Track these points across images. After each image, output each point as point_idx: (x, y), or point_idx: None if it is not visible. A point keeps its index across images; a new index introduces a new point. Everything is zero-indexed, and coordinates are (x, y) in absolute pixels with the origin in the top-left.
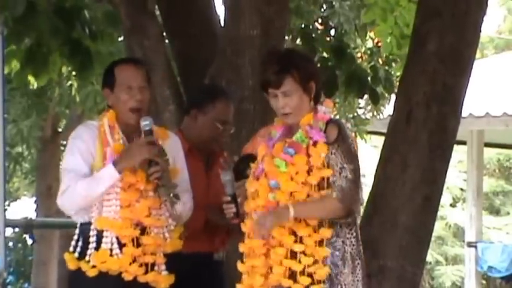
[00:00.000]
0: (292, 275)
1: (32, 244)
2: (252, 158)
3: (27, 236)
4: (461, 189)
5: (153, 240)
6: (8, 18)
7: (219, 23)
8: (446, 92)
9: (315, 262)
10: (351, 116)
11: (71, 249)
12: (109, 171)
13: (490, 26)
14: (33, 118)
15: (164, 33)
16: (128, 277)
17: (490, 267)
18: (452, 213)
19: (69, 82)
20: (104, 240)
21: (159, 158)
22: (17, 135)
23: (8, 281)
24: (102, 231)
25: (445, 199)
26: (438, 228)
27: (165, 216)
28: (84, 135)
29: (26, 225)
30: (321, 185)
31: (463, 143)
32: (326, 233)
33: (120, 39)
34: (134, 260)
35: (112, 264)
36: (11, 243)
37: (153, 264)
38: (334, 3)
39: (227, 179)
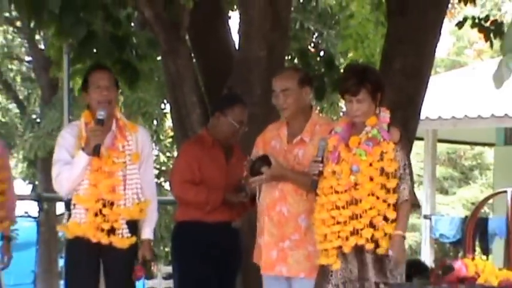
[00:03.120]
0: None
1: (67, 216)
2: (266, 158)
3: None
4: (419, 175)
5: (112, 211)
6: (73, 44)
7: (234, 46)
8: (408, 100)
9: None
10: (335, 117)
11: (64, 219)
12: (80, 155)
13: (442, 50)
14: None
15: (192, 54)
16: (93, 240)
17: (441, 235)
18: None
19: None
20: (75, 212)
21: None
22: None
23: None
24: (76, 205)
25: None
26: None
27: (126, 192)
28: (64, 133)
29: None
30: (392, 175)
31: (421, 139)
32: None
33: (159, 58)
34: (98, 227)
35: (78, 230)
36: None
37: (113, 230)
38: (323, 32)
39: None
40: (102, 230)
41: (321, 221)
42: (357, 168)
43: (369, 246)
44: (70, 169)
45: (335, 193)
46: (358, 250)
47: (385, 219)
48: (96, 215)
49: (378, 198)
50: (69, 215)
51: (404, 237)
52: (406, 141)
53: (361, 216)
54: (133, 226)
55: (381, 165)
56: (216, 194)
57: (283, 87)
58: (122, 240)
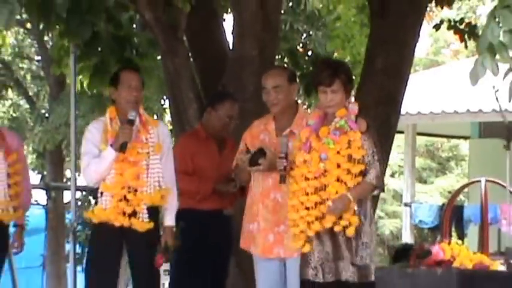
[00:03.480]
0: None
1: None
2: (263, 151)
3: (91, 198)
4: (399, 166)
5: (135, 197)
6: (79, 43)
7: (228, 46)
8: (389, 97)
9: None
10: None
11: (91, 207)
12: (109, 151)
13: (420, 50)
14: (96, 113)
15: (189, 54)
16: (116, 224)
17: (420, 221)
18: (392, 181)
19: None
20: (103, 199)
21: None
22: (86, 125)
23: (77, 229)
24: (104, 193)
25: (387, 172)
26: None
27: (148, 179)
28: (91, 128)
29: (90, 190)
30: (359, 161)
31: (401, 132)
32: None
33: (159, 57)
34: (121, 212)
35: (103, 215)
36: (79, 203)
37: (135, 213)
38: (311, 33)
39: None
40: (124, 213)
41: (291, 207)
42: (325, 156)
43: (337, 228)
44: (98, 162)
45: (305, 180)
46: (332, 232)
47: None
48: (120, 200)
49: (343, 183)
50: (96, 203)
51: (349, 200)
52: (374, 131)
53: (327, 200)
54: (154, 213)
55: (349, 153)
56: (207, 183)
57: (275, 84)
58: (142, 223)
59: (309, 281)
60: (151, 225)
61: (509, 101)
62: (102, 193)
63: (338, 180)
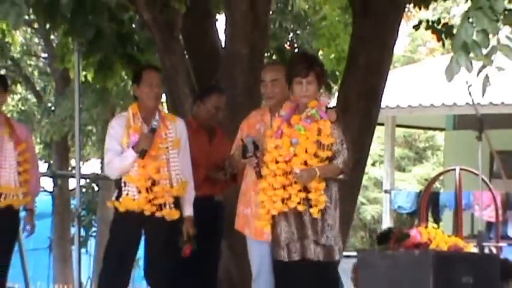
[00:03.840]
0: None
1: (97, 190)
2: (255, 144)
3: (94, 185)
4: (380, 155)
5: (160, 189)
6: (82, 42)
7: (221, 45)
8: (370, 91)
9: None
10: None
11: (113, 196)
12: (130, 152)
13: (399, 48)
14: (99, 107)
15: (185, 52)
16: (147, 213)
17: (399, 207)
18: (373, 170)
19: (123, 83)
20: (127, 189)
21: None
22: (90, 118)
23: (81, 214)
24: (128, 183)
25: (368, 161)
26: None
27: (170, 173)
28: (114, 124)
29: (94, 178)
30: (327, 147)
31: (382, 124)
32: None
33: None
34: (150, 202)
35: (132, 205)
36: (84, 190)
37: (164, 204)
38: (298, 31)
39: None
40: (155, 204)
41: (261, 189)
42: (296, 141)
43: (301, 208)
44: (120, 161)
45: (275, 163)
46: (297, 213)
47: (317, 187)
48: (147, 191)
49: (310, 165)
50: (119, 192)
51: (315, 172)
52: (343, 122)
53: (295, 183)
54: (177, 203)
55: (318, 139)
56: (199, 171)
57: (273, 77)
58: (171, 212)
59: (281, 261)
60: (178, 213)
61: (483, 96)
62: (125, 183)
63: (305, 164)
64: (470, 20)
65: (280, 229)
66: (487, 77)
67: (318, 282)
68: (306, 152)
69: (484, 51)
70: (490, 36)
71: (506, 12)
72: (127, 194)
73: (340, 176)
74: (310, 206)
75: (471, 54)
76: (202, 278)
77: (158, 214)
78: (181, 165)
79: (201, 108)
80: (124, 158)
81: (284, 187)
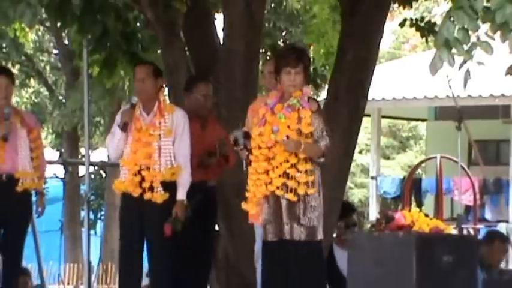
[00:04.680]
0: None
1: (105, 176)
2: (248, 134)
3: (102, 172)
4: (366, 144)
5: (148, 173)
6: (90, 39)
7: (219, 42)
8: (358, 84)
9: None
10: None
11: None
12: (116, 129)
13: (384, 44)
14: (107, 100)
15: (186, 48)
16: (135, 194)
17: (384, 192)
18: (360, 157)
19: (128, 77)
20: (122, 172)
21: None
22: (98, 110)
23: (90, 198)
24: (122, 167)
25: (356, 149)
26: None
27: (160, 159)
28: (119, 113)
29: (102, 165)
30: (307, 135)
31: (368, 115)
32: (308, 164)
33: (159, 51)
34: (137, 185)
35: (121, 187)
36: (92, 176)
37: (152, 187)
38: (290, 30)
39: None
40: (143, 187)
41: (249, 174)
42: (276, 128)
43: (280, 192)
44: (111, 138)
45: (258, 149)
46: (276, 197)
47: (299, 171)
48: (135, 175)
49: (291, 153)
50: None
51: (300, 144)
52: (323, 112)
53: (277, 168)
54: (170, 187)
55: (298, 127)
56: (192, 158)
57: (271, 70)
58: (158, 195)
59: (264, 241)
60: (166, 196)
61: (464, 88)
62: (121, 167)
63: (286, 150)
64: (452, 18)
65: (262, 211)
66: (468, 71)
67: (299, 261)
68: (288, 139)
69: (465, 47)
70: (470, 33)
71: (485, 10)
72: (120, 176)
73: (321, 159)
74: (291, 191)
75: (453, 50)
76: (197, 259)
77: (145, 196)
78: (178, 152)
79: (189, 98)
80: (112, 135)
81: (267, 172)
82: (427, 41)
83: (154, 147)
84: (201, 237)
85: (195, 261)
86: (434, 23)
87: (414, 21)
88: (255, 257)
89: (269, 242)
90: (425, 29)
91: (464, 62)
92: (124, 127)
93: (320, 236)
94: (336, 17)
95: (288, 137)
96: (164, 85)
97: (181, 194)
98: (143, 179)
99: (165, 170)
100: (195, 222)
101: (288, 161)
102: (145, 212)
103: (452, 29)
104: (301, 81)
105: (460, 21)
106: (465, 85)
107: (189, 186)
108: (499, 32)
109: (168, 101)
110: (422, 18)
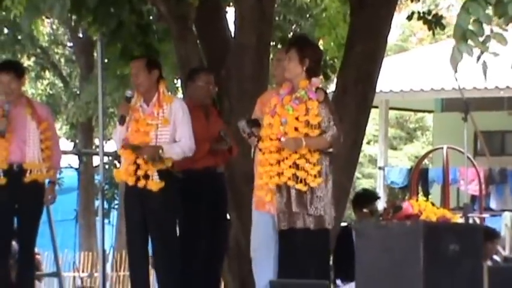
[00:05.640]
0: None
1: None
2: (255, 121)
3: (116, 162)
4: (374, 135)
5: (143, 161)
6: (104, 32)
7: (230, 35)
8: (367, 76)
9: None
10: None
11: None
12: (118, 124)
13: (392, 37)
14: (121, 91)
15: (198, 41)
16: (130, 183)
17: (392, 182)
18: (368, 148)
19: None
20: (122, 162)
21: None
22: (112, 102)
23: (105, 188)
24: (121, 156)
25: (364, 140)
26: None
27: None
28: None
29: (116, 155)
30: (315, 126)
31: (376, 107)
32: (316, 154)
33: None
34: (132, 173)
35: (118, 176)
36: (106, 166)
37: (147, 175)
38: (300, 23)
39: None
40: (138, 175)
41: (260, 162)
42: (285, 120)
43: (290, 183)
44: (114, 133)
45: (269, 140)
46: (287, 187)
47: (308, 162)
48: (130, 164)
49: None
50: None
51: (302, 142)
52: (330, 101)
53: (286, 159)
54: (166, 175)
55: (306, 119)
56: (203, 144)
57: (278, 58)
58: (154, 183)
59: (279, 230)
60: (162, 184)
61: (485, 80)
62: (120, 157)
63: None
64: (469, 9)
65: (276, 200)
66: (484, 62)
67: (309, 248)
68: (296, 130)
69: (480, 39)
70: (484, 25)
71: (496, 3)
72: (120, 167)
73: (330, 150)
74: (301, 181)
75: (469, 42)
76: (209, 249)
77: (139, 184)
78: (180, 135)
79: (192, 87)
80: (116, 130)
81: (279, 162)
82: (434, 33)
83: (151, 136)
84: (213, 227)
85: (207, 251)
86: (441, 16)
87: (422, 15)
88: (253, 247)
89: (282, 231)
90: (433, 22)
91: (482, 53)
92: (121, 120)
93: (329, 224)
94: (346, 10)
95: (286, 133)
96: (177, 77)
97: (165, 148)
98: (138, 167)
99: (159, 158)
100: (206, 213)
101: (296, 152)
102: (144, 200)
103: (468, 21)
104: (295, 66)
105: (475, 13)
106: (485, 76)
107: (198, 173)
108: (510, 25)
109: (168, 92)
110: (429, 12)
